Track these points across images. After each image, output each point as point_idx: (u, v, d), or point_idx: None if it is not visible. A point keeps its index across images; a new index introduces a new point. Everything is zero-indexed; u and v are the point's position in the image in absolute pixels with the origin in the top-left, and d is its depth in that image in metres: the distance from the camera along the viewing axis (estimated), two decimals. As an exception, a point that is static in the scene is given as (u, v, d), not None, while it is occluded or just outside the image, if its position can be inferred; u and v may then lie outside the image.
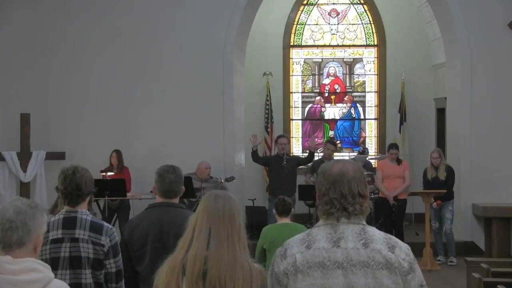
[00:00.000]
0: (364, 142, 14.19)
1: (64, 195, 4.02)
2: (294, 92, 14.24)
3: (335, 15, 14.29)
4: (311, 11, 14.30)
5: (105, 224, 4.05)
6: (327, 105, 14.35)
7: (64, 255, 3.92)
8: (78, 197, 4.01)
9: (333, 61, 14.33)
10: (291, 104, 14.18)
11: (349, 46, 14.28)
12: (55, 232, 3.95)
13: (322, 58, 14.32)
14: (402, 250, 2.67)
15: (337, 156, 13.63)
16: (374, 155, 13.74)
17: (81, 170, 4.08)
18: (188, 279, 2.65)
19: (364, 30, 14.23)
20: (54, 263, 3.88)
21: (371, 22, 14.16)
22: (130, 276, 4.25)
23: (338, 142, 14.17)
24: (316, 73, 14.35)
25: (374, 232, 2.71)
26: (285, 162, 10.40)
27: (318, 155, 11.86)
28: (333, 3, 14.30)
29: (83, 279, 3.92)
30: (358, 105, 14.33)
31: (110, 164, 10.69)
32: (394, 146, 10.93)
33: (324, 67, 14.33)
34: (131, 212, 10.20)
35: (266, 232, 6.09)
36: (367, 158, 12.34)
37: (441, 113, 13.14)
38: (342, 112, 14.33)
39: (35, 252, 2.56)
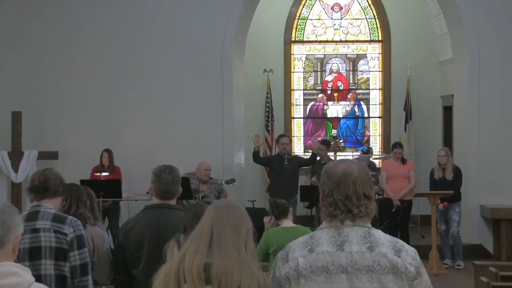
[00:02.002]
0: (368, 141, 14.19)
1: (31, 189, 4.15)
2: (296, 90, 14.24)
3: (338, 9, 14.28)
4: (313, 6, 14.29)
5: (70, 216, 4.14)
6: (329, 103, 14.34)
7: (24, 247, 3.97)
8: (45, 191, 4.10)
9: (336, 57, 14.32)
10: (292, 102, 14.18)
11: (353, 41, 14.27)
12: None
13: (324, 54, 14.31)
14: (409, 254, 2.67)
15: (340, 156, 13.65)
16: (379, 155, 13.74)
17: (53, 170, 4.28)
18: (188, 272, 2.62)
19: (368, 25, 14.22)
20: None
21: (376, 16, 14.15)
22: (125, 280, 4.25)
23: (341, 141, 14.16)
24: (318, 70, 14.35)
25: (380, 235, 2.70)
26: (286, 163, 10.41)
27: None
28: (336, -3, 14.32)
29: (43, 270, 3.95)
30: (362, 103, 14.32)
31: (100, 164, 10.67)
32: (398, 145, 10.94)
33: (327, 63, 14.32)
34: (124, 214, 10.18)
35: (271, 234, 6.06)
36: (371, 158, 12.33)
37: (448, 111, 13.13)
38: (345, 110, 14.32)
39: (13, 253, 2.56)
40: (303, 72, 14.30)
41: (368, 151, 12.77)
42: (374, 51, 14.25)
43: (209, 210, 2.79)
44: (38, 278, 3.92)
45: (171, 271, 2.66)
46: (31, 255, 3.95)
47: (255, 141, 10.64)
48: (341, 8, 14.28)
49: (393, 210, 10.52)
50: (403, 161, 10.82)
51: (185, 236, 3.83)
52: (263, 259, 5.94)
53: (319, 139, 13.28)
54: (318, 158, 11.02)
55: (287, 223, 6.14)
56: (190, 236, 2.74)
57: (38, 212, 4.05)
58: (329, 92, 14.34)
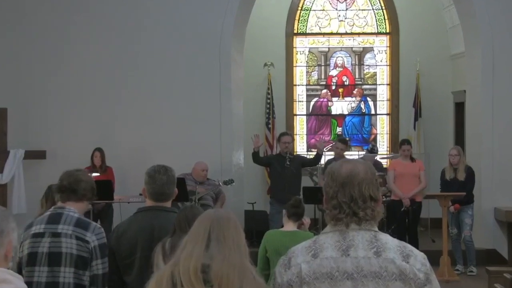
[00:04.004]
0: (375, 139, 14.20)
1: (58, 188, 4.18)
2: (298, 85, 14.24)
3: (343, 0, 14.28)
4: (316, -4, 14.31)
5: (94, 223, 4.20)
6: (334, 99, 14.35)
7: (43, 251, 4.00)
8: (72, 193, 4.14)
9: (341, 50, 14.33)
10: (294, 98, 14.18)
11: (359, 34, 14.28)
12: (38, 226, 4.08)
13: (329, 47, 14.31)
14: (418, 260, 2.68)
15: (346, 155, 13.64)
16: (386, 154, 13.74)
17: (86, 172, 4.34)
18: (185, 274, 2.61)
19: (375, 17, 14.23)
20: (31, 259, 3.94)
21: (383, 7, 14.15)
22: (117, 286, 4.25)
23: (347, 139, 14.15)
24: (322, 64, 14.35)
25: (387, 240, 2.71)
26: (288, 163, 10.39)
27: (324, 155, 11.84)
28: (341, -13, 14.32)
29: (61, 278, 3.97)
30: (368, 99, 14.33)
31: (92, 164, 10.68)
32: (406, 142, 10.98)
33: (331, 57, 14.33)
34: (116, 217, 10.19)
35: (268, 238, 6.08)
36: (376, 157, 12.33)
37: (460, 107, 13.14)
38: (351, 107, 14.33)
39: (6, 260, 2.57)
40: (306, 66, 14.30)
41: (373, 150, 12.74)
42: (381, 44, 14.25)
43: (205, 215, 2.78)
44: (56, 286, 3.95)
45: (163, 277, 2.66)
46: (50, 260, 3.99)
47: (255, 141, 10.62)
48: (346, -1, 14.29)
49: (402, 209, 10.50)
50: (412, 160, 10.82)
51: (172, 239, 3.83)
52: (263, 263, 5.95)
53: (325, 138, 13.29)
54: (333, 157, 11.04)
55: (290, 226, 6.13)
56: (183, 240, 2.74)
57: (60, 215, 4.09)
58: (333, 87, 14.34)
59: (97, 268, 4.06)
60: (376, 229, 2.73)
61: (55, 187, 4.25)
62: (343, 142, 11.55)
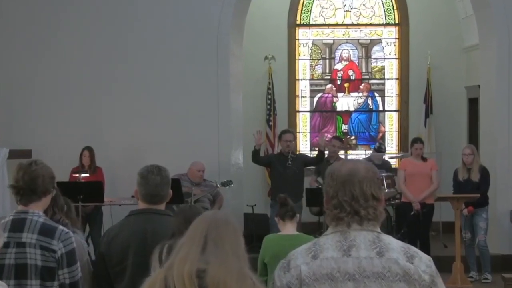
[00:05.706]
0: (383, 137, 14.21)
1: (15, 190, 4.04)
2: (301, 79, 14.26)
3: (349, -12, 14.31)
4: (321, -16, 14.32)
5: (60, 227, 4.06)
6: (339, 94, 14.36)
7: (9, 262, 3.95)
8: (32, 194, 4.02)
9: (346, 42, 14.34)
10: (297, 94, 14.19)
11: (366, 25, 14.29)
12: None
13: (333, 39, 14.32)
14: (423, 261, 2.73)
15: (352, 154, 13.67)
16: (394, 153, 13.75)
17: (40, 164, 4.11)
18: (178, 278, 2.62)
19: (383, 7, 14.24)
20: None
21: (392, -4, 14.18)
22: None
23: (353, 137, 14.17)
24: (327, 57, 14.36)
25: (391, 241, 2.77)
26: (290, 162, 10.41)
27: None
28: (347, -25, 14.33)
29: None
30: (376, 94, 14.35)
31: (80, 164, 10.71)
32: (418, 140, 11.03)
33: (336, 49, 14.34)
34: (107, 221, 10.20)
35: (267, 243, 6.10)
36: (384, 157, 12.34)
37: (473, 103, 13.16)
38: (358, 103, 14.35)
39: None
40: (310, 59, 14.31)
41: (380, 149, 12.74)
42: (390, 35, 14.27)
43: (202, 218, 2.80)
44: None
45: (156, 281, 2.68)
46: (16, 273, 3.94)
47: (257, 138, 10.63)
48: (352, -13, 14.31)
49: (411, 213, 10.52)
50: (424, 159, 10.85)
51: (169, 244, 3.85)
52: (261, 270, 5.96)
53: (327, 135, 13.29)
54: (326, 156, 11.04)
55: (289, 229, 6.14)
56: (179, 243, 2.76)
57: (24, 220, 3.98)
58: (339, 82, 14.36)
59: (64, 277, 3.96)
60: (379, 230, 2.79)
61: (11, 187, 4.08)
62: (339, 140, 11.64)
